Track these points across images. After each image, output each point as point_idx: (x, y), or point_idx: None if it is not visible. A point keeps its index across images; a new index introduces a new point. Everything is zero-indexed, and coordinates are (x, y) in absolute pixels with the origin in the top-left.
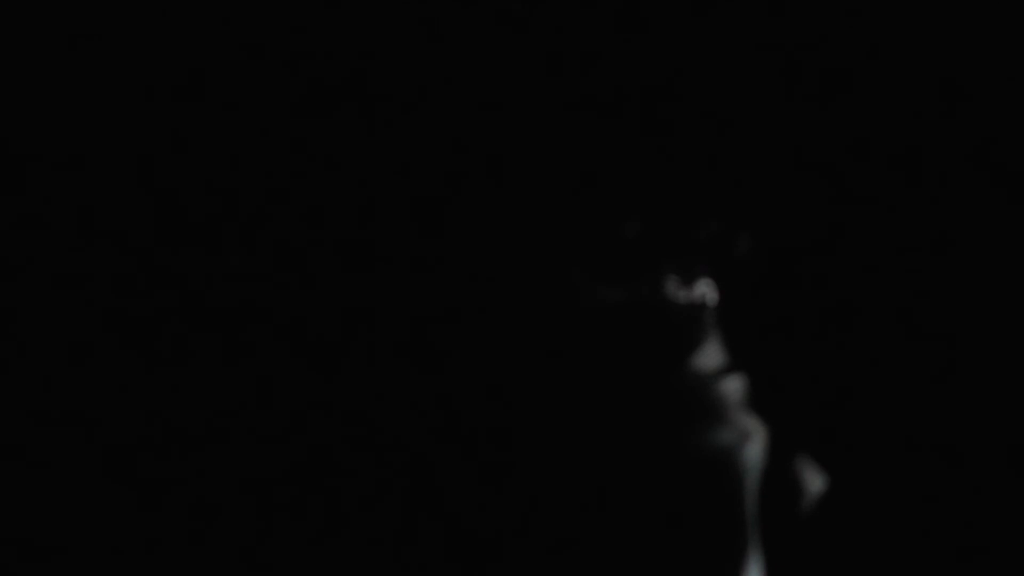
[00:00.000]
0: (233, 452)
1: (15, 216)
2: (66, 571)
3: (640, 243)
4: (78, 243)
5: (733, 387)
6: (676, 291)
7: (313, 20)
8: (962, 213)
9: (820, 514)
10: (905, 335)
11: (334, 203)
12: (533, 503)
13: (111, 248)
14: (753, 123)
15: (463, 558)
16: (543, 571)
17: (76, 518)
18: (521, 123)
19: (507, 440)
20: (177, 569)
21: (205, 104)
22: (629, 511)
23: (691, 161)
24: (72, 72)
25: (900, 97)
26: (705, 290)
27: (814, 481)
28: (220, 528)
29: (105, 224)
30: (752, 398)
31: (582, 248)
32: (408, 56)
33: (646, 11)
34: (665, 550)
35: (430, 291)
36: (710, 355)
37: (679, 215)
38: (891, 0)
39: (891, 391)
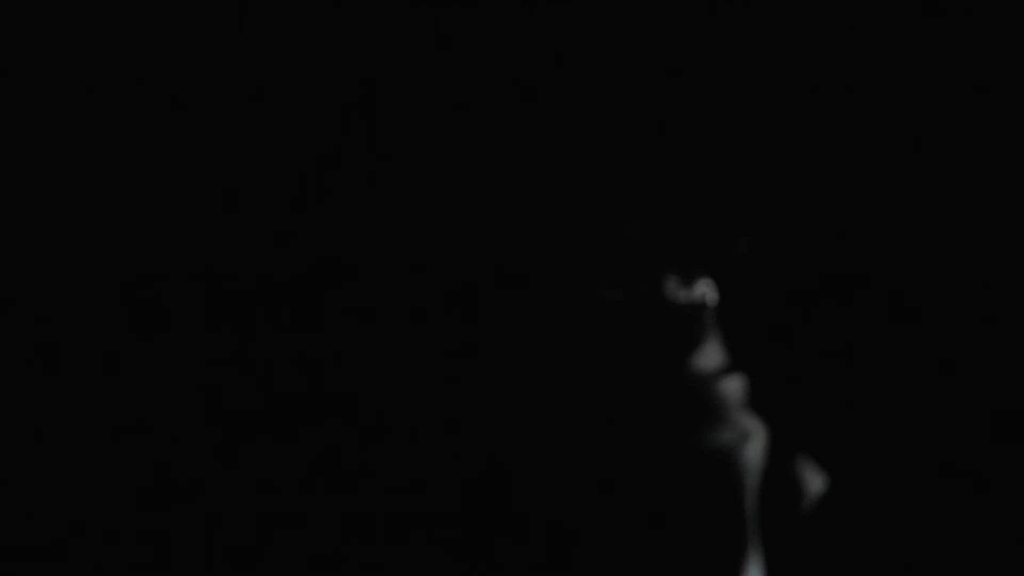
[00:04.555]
0: (235, 452)
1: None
2: (66, 571)
3: (640, 243)
4: (77, 243)
5: (733, 387)
6: (676, 291)
7: (314, 20)
8: (963, 212)
9: (820, 514)
10: (905, 335)
11: (334, 204)
12: (534, 503)
13: (109, 249)
14: (753, 123)
15: (463, 558)
16: (543, 571)
17: (75, 518)
18: (521, 124)
19: (508, 440)
20: (178, 569)
21: (204, 104)
22: (630, 511)
23: (691, 161)
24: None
25: (900, 97)
26: (705, 290)
27: (814, 481)
28: (220, 528)
29: (102, 225)
30: (752, 398)
31: (582, 248)
32: (409, 56)
33: (646, 11)
34: (666, 550)
35: (430, 291)
36: (710, 355)
37: (679, 215)
38: (891, 0)
39: (891, 391)
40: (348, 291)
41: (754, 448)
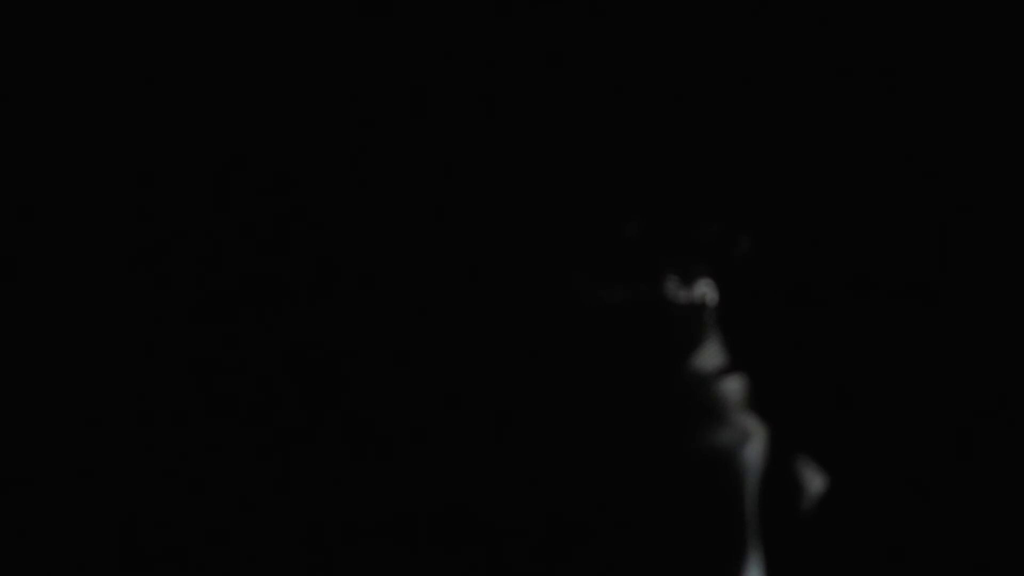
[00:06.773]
0: (234, 452)
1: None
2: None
3: (640, 243)
4: (77, 244)
5: (733, 387)
6: (676, 291)
7: (312, 20)
8: (963, 213)
9: (820, 514)
10: (905, 335)
11: (334, 204)
12: (534, 503)
13: (110, 251)
14: (753, 123)
15: (462, 557)
16: (543, 571)
17: (77, 518)
18: (521, 123)
19: (507, 440)
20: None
21: (204, 105)
22: (629, 511)
23: (691, 161)
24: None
25: (900, 96)
26: (705, 290)
27: (814, 481)
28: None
29: (104, 227)
30: (752, 398)
31: (582, 249)
32: (409, 55)
33: (647, 11)
34: (665, 550)
35: (430, 291)
36: (710, 355)
37: (679, 215)
38: (890, 1)
39: (891, 391)
40: (347, 291)
41: (754, 448)
